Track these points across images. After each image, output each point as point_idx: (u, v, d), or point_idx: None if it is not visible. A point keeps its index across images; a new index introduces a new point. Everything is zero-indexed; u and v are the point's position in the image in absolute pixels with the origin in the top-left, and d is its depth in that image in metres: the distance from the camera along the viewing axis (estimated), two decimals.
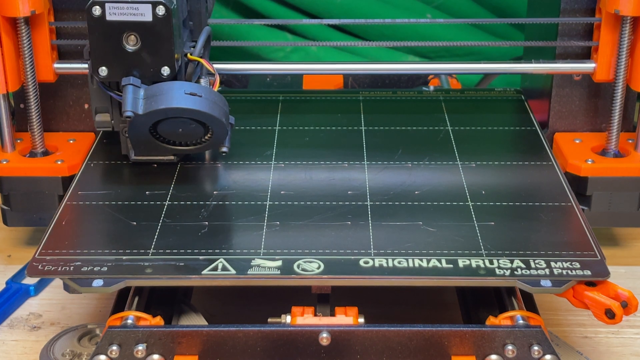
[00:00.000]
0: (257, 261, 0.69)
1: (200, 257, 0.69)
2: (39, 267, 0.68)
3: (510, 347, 0.65)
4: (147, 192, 0.78)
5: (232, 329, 0.65)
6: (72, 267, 0.68)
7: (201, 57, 0.81)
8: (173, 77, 0.78)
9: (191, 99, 0.77)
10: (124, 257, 0.69)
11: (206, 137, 0.80)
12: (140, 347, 0.65)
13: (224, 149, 0.80)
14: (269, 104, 0.95)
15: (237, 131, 0.89)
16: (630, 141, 0.89)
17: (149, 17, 0.76)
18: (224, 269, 0.68)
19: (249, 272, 0.67)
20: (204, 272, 0.67)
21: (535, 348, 0.65)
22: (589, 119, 0.93)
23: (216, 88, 0.80)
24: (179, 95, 0.77)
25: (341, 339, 0.65)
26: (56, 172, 0.85)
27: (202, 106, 0.77)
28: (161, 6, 0.76)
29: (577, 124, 0.93)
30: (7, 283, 0.86)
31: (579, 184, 0.86)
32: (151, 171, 0.82)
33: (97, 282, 0.66)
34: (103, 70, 0.78)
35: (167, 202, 0.77)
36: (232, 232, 0.73)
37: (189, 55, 0.81)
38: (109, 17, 0.76)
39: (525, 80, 1.03)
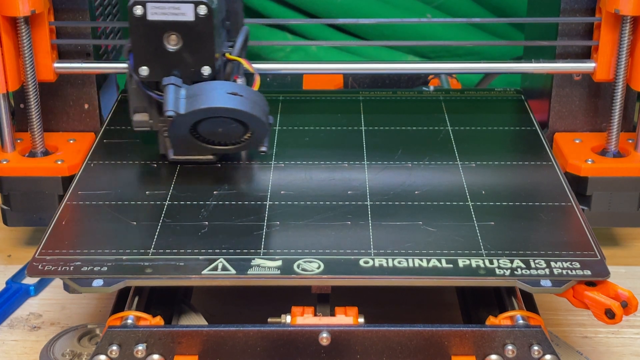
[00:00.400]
0: (257, 261, 0.68)
1: (200, 257, 0.69)
2: (39, 267, 0.68)
3: (510, 347, 0.65)
4: (147, 192, 0.78)
5: (232, 329, 0.65)
6: (72, 267, 0.68)
7: (240, 57, 0.81)
8: (213, 76, 0.78)
9: (233, 99, 0.77)
10: (124, 257, 0.69)
11: (245, 137, 0.79)
12: (140, 347, 0.65)
13: (263, 149, 0.80)
14: (269, 104, 0.95)
15: None
16: (630, 141, 0.89)
17: (190, 17, 0.76)
18: (224, 269, 0.68)
19: (249, 272, 0.67)
20: (204, 272, 0.67)
21: (535, 348, 0.65)
22: (589, 119, 0.93)
23: (256, 87, 0.80)
24: (220, 95, 0.77)
25: (341, 339, 0.65)
26: (56, 172, 0.85)
27: (244, 106, 0.77)
28: (203, 6, 0.76)
29: (577, 124, 0.93)
30: (7, 283, 0.86)
31: (579, 184, 0.86)
32: (151, 171, 0.82)
33: (97, 282, 0.66)
34: (144, 70, 0.78)
35: (167, 202, 0.77)
36: (232, 232, 0.72)
37: (227, 55, 0.81)
38: (150, 17, 0.76)
39: (525, 80, 1.03)
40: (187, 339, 0.65)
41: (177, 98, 0.77)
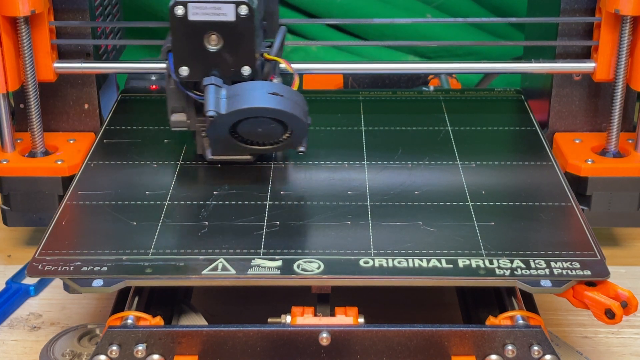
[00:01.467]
0: (257, 261, 0.68)
1: (200, 257, 0.69)
2: (39, 267, 0.68)
3: (510, 347, 0.65)
4: (147, 192, 0.78)
5: (232, 329, 0.65)
6: (72, 267, 0.68)
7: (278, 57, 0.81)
8: (253, 76, 0.78)
9: (274, 99, 0.76)
10: (124, 257, 0.69)
11: (284, 137, 0.79)
12: (140, 347, 0.65)
13: (302, 149, 0.80)
14: None
15: None
16: (630, 141, 0.89)
17: (231, 17, 0.76)
18: (224, 269, 0.68)
19: (249, 272, 0.67)
20: (204, 272, 0.67)
21: (535, 348, 0.65)
22: (589, 119, 0.93)
23: (295, 87, 0.79)
24: (261, 95, 0.76)
25: (341, 339, 0.65)
26: (56, 172, 0.85)
27: (285, 106, 0.77)
28: (244, 6, 0.76)
29: (577, 124, 0.93)
30: (7, 283, 0.86)
31: (579, 184, 0.86)
32: (151, 171, 0.82)
33: (97, 282, 0.66)
34: (184, 70, 0.78)
35: (167, 202, 0.77)
36: (232, 232, 0.72)
37: (265, 55, 0.81)
38: (191, 17, 0.76)
39: (525, 80, 1.03)
40: (187, 339, 0.65)
41: (218, 98, 0.76)
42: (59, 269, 0.68)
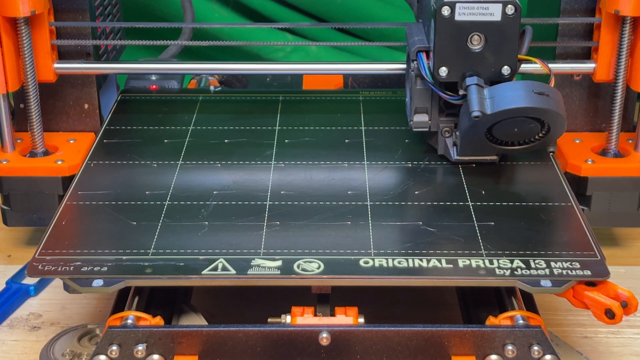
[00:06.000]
0: (257, 261, 0.68)
1: (200, 257, 0.69)
2: (39, 267, 0.68)
3: (510, 347, 0.65)
4: (147, 192, 0.78)
5: (232, 329, 0.65)
6: (72, 267, 0.68)
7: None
8: (512, 76, 0.78)
9: (541, 98, 0.76)
10: (124, 257, 0.69)
11: (537, 137, 0.79)
12: (140, 347, 0.65)
13: (552, 149, 0.79)
14: (269, 104, 0.95)
15: (237, 131, 0.89)
16: (630, 141, 0.89)
17: (497, 17, 0.76)
18: (224, 269, 0.68)
19: (249, 272, 0.67)
20: (204, 272, 0.67)
21: (535, 348, 0.65)
22: (589, 119, 0.93)
23: (552, 85, 0.78)
24: (528, 95, 0.76)
25: (341, 339, 0.65)
26: (56, 172, 0.85)
27: (551, 105, 0.76)
28: (511, 5, 0.75)
29: (577, 124, 0.93)
30: (7, 283, 0.86)
31: (579, 184, 0.86)
32: (151, 171, 0.82)
33: (97, 282, 0.66)
34: (443, 71, 0.78)
35: (167, 202, 0.77)
36: (232, 232, 0.72)
37: (519, 55, 0.80)
38: (458, 17, 0.76)
39: None
40: (187, 339, 0.65)
41: (482, 98, 0.76)
42: (59, 269, 0.68)
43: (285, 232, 0.72)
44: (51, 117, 0.92)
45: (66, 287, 0.68)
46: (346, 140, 0.87)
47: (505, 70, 0.78)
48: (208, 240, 0.71)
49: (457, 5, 0.76)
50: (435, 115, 0.82)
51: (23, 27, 0.83)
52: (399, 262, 0.68)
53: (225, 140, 0.87)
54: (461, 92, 0.78)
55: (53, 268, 0.68)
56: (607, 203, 0.86)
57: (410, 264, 0.68)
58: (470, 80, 0.77)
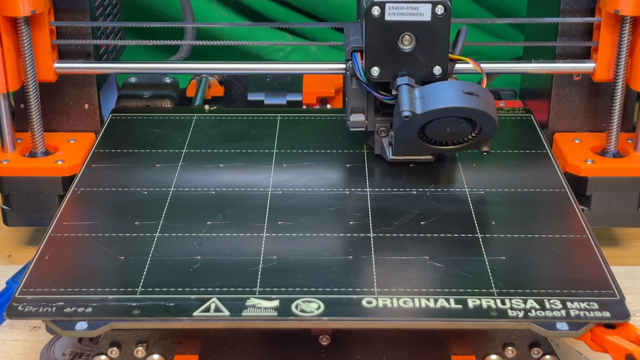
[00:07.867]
0: (252, 301, 0.64)
1: (192, 297, 0.64)
2: (19, 307, 0.64)
3: (510, 347, 0.65)
4: (136, 223, 0.74)
5: (232, 329, 0.65)
6: (54, 308, 0.63)
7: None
8: (443, 76, 0.78)
9: (470, 98, 0.76)
10: (110, 297, 0.64)
11: (470, 137, 0.79)
12: (140, 347, 0.65)
13: (486, 149, 0.79)
14: (267, 124, 0.91)
15: (232, 154, 0.85)
16: (630, 141, 0.89)
17: (427, 17, 0.76)
18: (217, 309, 0.63)
19: (243, 314, 0.63)
20: (196, 313, 0.63)
21: (535, 348, 0.65)
22: (588, 119, 0.93)
23: (484, 86, 0.79)
24: (457, 95, 0.76)
25: (341, 339, 0.65)
26: (56, 172, 0.85)
27: (481, 105, 0.76)
28: (441, 5, 0.76)
29: (576, 124, 0.93)
30: (7, 283, 0.85)
31: (579, 184, 0.86)
32: (141, 199, 0.78)
33: (81, 325, 0.62)
34: (375, 71, 0.78)
35: (157, 234, 0.72)
36: (226, 268, 0.68)
37: (450, 55, 0.80)
38: (388, 17, 0.76)
39: (525, 80, 1.03)
40: (187, 339, 0.65)
41: (412, 98, 0.76)
42: (40, 310, 0.63)
43: (283, 268, 0.68)
44: (51, 117, 0.92)
45: (48, 329, 0.63)
46: (347, 165, 0.84)
47: (437, 70, 0.78)
48: (200, 278, 0.67)
49: (387, 5, 0.76)
50: (372, 115, 0.82)
51: (23, 27, 0.83)
52: (405, 302, 0.64)
53: (220, 165, 0.83)
54: (394, 92, 0.78)
55: (34, 309, 0.63)
56: (606, 203, 0.86)
57: (417, 304, 0.64)
58: (401, 80, 0.77)
